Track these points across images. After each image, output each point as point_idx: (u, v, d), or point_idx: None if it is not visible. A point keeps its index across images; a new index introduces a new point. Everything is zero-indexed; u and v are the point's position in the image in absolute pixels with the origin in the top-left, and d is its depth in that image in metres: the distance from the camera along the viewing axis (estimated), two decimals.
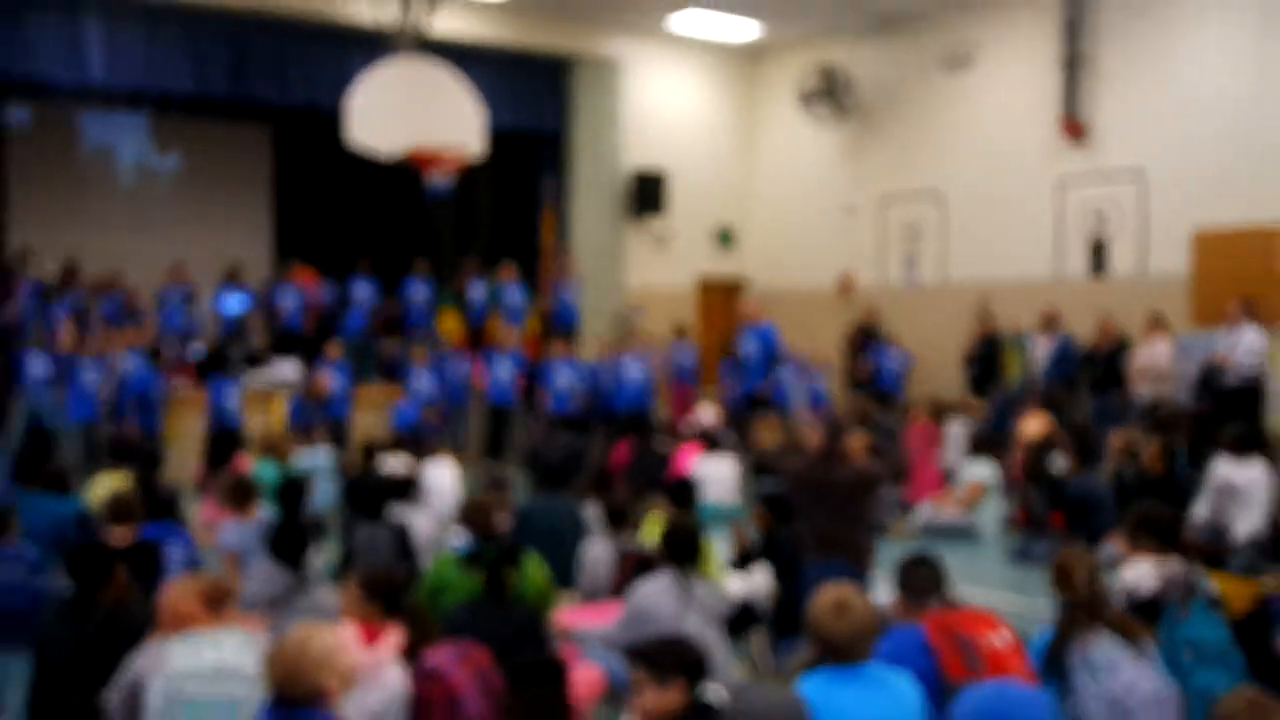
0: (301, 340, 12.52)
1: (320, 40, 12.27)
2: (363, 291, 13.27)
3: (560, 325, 13.41)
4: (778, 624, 5.41)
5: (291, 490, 5.98)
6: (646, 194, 14.52)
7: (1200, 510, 7.04)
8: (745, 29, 14.31)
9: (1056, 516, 7.66)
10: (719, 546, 5.90)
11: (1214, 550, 5.34)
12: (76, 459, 9.32)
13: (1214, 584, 4.41)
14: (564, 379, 11.91)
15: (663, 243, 14.98)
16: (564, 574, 5.58)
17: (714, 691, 3.19)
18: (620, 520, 5.71)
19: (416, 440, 9.04)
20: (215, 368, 11.17)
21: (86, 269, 12.09)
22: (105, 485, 6.59)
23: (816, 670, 3.25)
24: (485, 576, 4.34)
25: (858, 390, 12.42)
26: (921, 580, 3.87)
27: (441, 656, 3.68)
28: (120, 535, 4.99)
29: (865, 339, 13.07)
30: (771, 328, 12.37)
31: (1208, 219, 10.87)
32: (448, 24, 11.61)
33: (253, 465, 7.79)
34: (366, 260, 13.44)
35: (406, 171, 9.89)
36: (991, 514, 8.58)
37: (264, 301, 13.07)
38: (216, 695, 3.40)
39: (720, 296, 15.50)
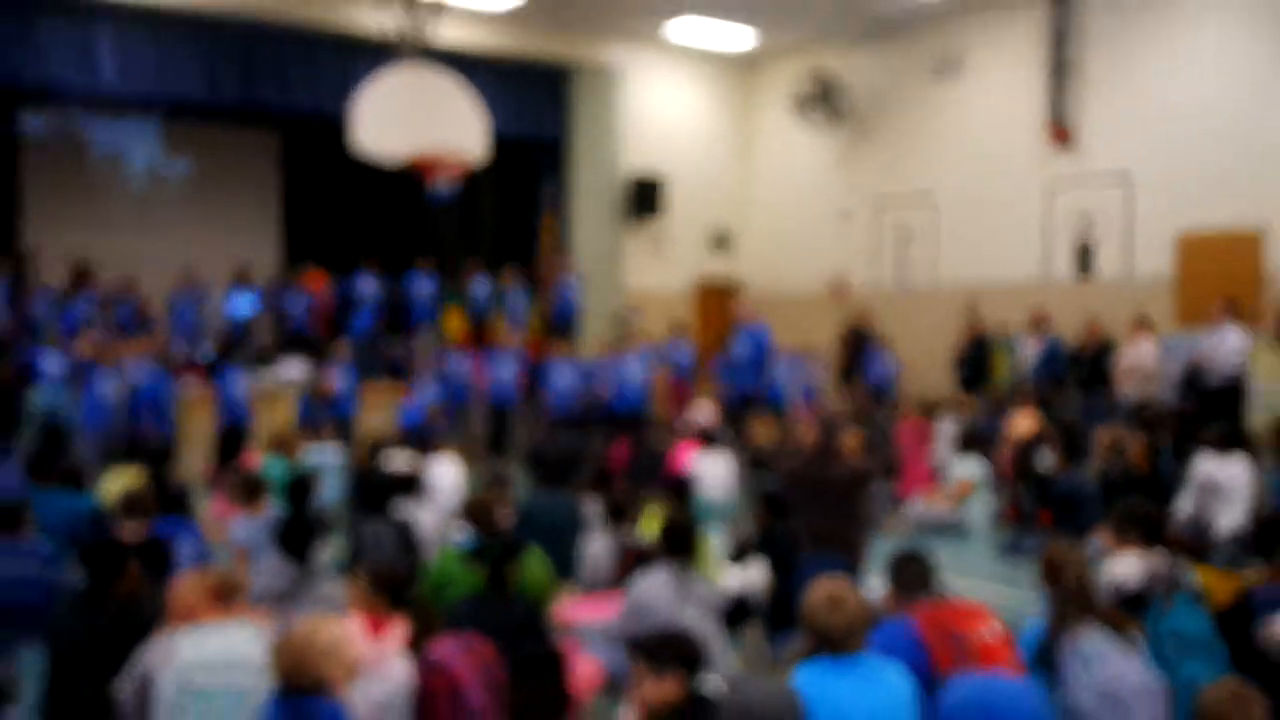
0: (309, 340, 12.59)
1: (327, 48, 12.39)
2: (368, 287, 13.30)
3: (560, 326, 13.50)
4: (773, 617, 5.43)
5: (299, 486, 5.99)
6: (645, 198, 14.61)
7: (1184, 506, 7.13)
8: (741, 37, 14.39)
9: (1045, 512, 7.73)
10: (716, 541, 5.99)
11: (1197, 544, 5.46)
12: (90, 456, 9.37)
13: (1197, 577, 4.44)
14: (564, 379, 12.00)
15: (660, 246, 15.09)
16: (565, 568, 5.61)
17: (711, 682, 3.21)
18: (619, 516, 5.75)
19: (421, 438, 9.11)
20: (225, 360, 11.23)
21: (98, 272, 12.16)
22: (118, 481, 6.59)
23: (811, 661, 3.31)
24: (488, 571, 4.35)
25: (856, 384, 12.46)
26: (912, 575, 3.88)
27: (445, 649, 3.71)
28: (132, 530, 5.00)
29: (858, 340, 13.13)
30: (765, 328, 12.49)
31: (1192, 222, 10.98)
32: (450, 33, 11.72)
33: (261, 461, 7.81)
34: (373, 259, 13.49)
35: (411, 177, 9.98)
36: (981, 509, 8.63)
37: (272, 302, 13.13)
38: (225, 685, 3.45)
39: (717, 298, 15.58)
